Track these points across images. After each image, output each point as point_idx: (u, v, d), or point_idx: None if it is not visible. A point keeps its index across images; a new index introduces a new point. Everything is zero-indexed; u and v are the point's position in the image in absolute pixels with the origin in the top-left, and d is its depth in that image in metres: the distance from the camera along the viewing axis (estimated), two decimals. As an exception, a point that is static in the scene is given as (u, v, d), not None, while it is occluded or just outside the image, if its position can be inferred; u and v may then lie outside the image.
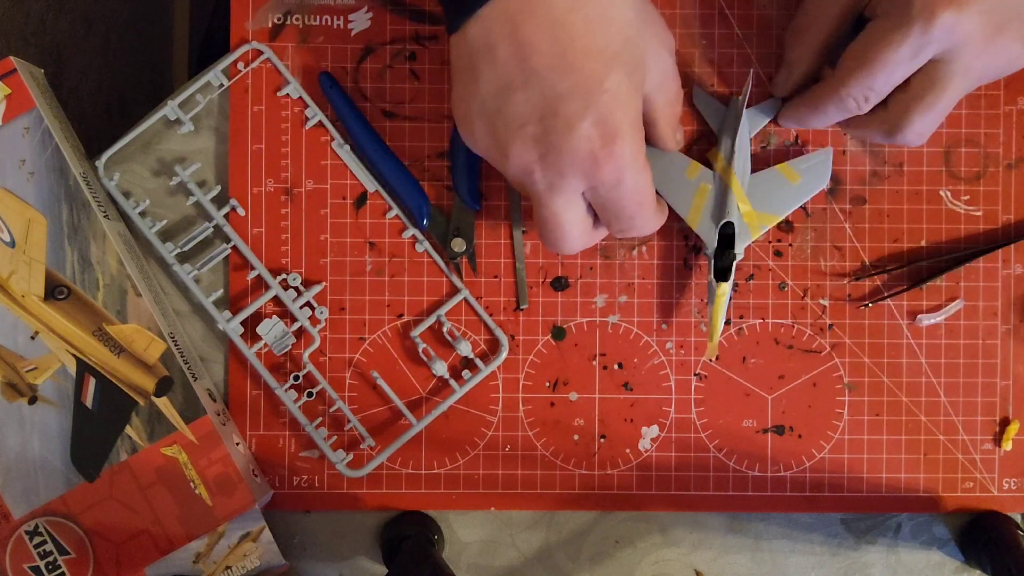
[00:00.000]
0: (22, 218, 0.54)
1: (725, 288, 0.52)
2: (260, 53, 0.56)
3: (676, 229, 0.56)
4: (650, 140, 0.51)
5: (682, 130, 0.53)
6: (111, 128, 0.74)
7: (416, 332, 0.56)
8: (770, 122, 0.55)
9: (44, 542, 0.54)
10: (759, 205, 0.53)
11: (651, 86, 0.48)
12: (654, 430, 0.57)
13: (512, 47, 0.43)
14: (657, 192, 0.50)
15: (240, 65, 0.56)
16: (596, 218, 0.49)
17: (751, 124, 0.55)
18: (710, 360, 0.56)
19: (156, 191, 0.57)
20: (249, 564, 0.56)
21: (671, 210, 0.53)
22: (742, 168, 0.53)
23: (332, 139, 0.56)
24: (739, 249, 0.53)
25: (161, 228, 0.56)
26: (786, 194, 0.54)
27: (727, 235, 0.53)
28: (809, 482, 0.57)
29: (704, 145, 0.56)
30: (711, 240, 0.53)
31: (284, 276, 0.56)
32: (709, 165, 0.54)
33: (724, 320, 0.54)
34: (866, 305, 0.56)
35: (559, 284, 0.56)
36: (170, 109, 0.56)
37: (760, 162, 0.56)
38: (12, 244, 0.54)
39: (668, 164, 0.53)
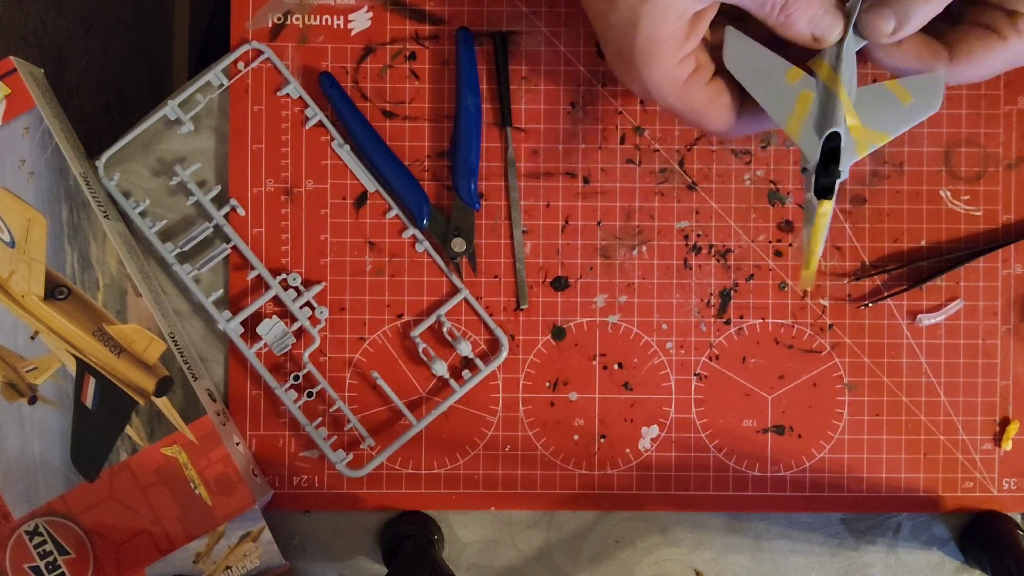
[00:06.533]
0: (22, 218, 0.54)
1: (828, 207, 0.45)
2: (260, 53, 0.56)
3: (676, 229, 0.56)
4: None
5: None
6: (111, 128, 0.74)
7: (416, 332, 0.56)
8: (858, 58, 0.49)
9: (44, 542, 0.54)
10: (868, 121, 0.47)
11: None
12: (654, 430, 0.57)
13: None
14: (753, 98, 0.47)
15: (240, 65, 0.56)
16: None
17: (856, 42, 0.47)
18: (802, 291, 0.52)
19: (156, 191, 0.57)
20: (249, 564, 0.56)
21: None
22: (849, 77, 0.46)
23: (332, 139, 0.56)
24: (844, 167, 0.46)
25: (161, 228, 0.56)
26: (897, 113, 0.47)
27: (832, 148, 0.46)
28: (809, 482, 0.57)
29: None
30: (813, 153, 0.46)
31: (284, 276, 0.56)
32: (811, 73, 0.48)
33: (823, 245, 0.47)
34: (866, 305, 0.56)
35: (559, 284, 0.56)
36: (170, 109, 0.56)
37: None
38: (12, 244, 0.54)
39: (765, 66, 0.47)
